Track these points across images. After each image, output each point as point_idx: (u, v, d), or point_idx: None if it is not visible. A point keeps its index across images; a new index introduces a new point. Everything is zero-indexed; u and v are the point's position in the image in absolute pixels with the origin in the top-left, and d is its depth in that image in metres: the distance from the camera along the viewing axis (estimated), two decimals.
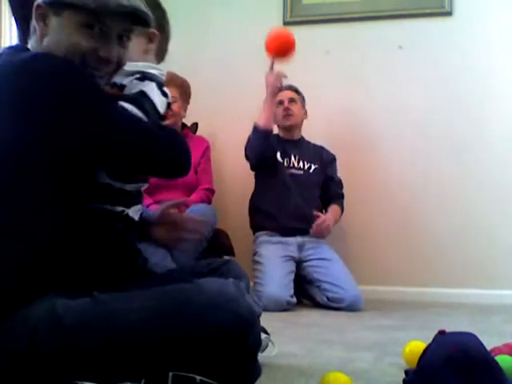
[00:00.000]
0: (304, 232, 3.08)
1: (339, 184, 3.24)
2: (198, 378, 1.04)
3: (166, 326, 1.04)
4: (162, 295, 1.09)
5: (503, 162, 3.25)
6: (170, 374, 1.05)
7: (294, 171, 3.15)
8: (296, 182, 3.12)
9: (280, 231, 3.06)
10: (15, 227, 1.07)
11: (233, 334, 1.05)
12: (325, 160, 3.22)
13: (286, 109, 3.16)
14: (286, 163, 3.15)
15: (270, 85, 2.96)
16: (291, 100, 3.18)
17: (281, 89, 3.07)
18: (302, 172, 3.16)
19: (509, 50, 3.28)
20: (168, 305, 1.06)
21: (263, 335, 1.64)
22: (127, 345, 1.04)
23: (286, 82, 3.16)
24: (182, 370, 1.05)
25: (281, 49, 2.80)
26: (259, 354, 1.59)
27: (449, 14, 3.35)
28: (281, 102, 3.16)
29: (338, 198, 3.21)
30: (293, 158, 3.17)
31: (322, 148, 3.27)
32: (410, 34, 3.40)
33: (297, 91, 3.22)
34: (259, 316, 1.23)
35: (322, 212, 3.14)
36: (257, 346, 1.13)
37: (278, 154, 3.14)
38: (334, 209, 3.17)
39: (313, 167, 3.18)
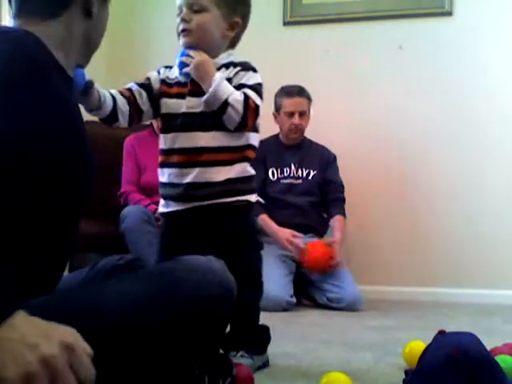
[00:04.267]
0: (304, 230, 3.07)
1: (340, 187, 3.18)
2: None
3: (157, 309, 1.00)
4: (147, 278, 1.05)
5: (504, 163, 3.25)
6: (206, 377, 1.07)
7: (292, 181, 3.12)
8: (294, 189, 3.10)
9: None
10: None
11: (224, 303, 1.08)
12: (325, 161, 3.18)
13: (296, 125, 3.06)
14: (285, 173, 3.12)
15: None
16: (302, 114, 3.07)
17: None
18: (300, 181, 3.12)
19: (509, 49, 3.28)
20: (156, 287, 1.02)
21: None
22: (116, 336, 0.96)
23: (291, 82, 3.12)
24: (184, 346, 1.04)
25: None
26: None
27: (449, 14, 3.35)
28: (291, 114, 3.05)
29: (339, 202, 3.14)
30: (292, 167, 3.13)
31: (323, 148, 3.24)
32: (410, 34, 3.40)
33: (309, 98, 3.10)
34: None
35: (322, 215, 3.15)
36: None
37: (270, 172, 3.10)
38: (339, 223, 3.07)
39: (312, 173, 3.13)
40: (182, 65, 1.55)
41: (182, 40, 1.56)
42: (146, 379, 1.03)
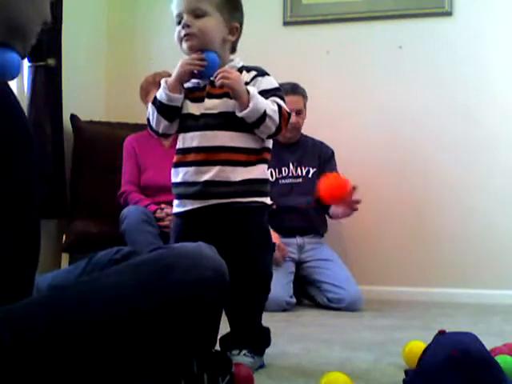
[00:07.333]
0: (305, 232, 3.07)
1: None
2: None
3: (150, 296, 1.00)
4: (138, 267, 1.04)
5: (505, 162, 3.25)
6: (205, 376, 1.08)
7: (292, 180, 3.10)
8: (295, 189, 3.09)
9: (280, 231, 3.05)
10: None
11: (216, 287, 1.07)
12: (323, 158, 3.16)
13: (293, 124, 3.00)
14: (284, 172, 3.11)
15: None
16: (299, 112, 3.05)
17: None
18: (300, 180, 3.11)
19: (509, 49, 3.28)
20: (147, 274, 1.02)
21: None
22: (112, 328, 0.97)
23: (287, 80, 3.12)
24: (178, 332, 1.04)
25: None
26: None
27: (449, 14, 3.35)
28: None
29: None
30: (291, 166, 3.11)
31: (320, 144, 3.21)
32: (410, 34, 3.40)
33: (303, 95, 3.09)
34: None
35: (322, 214, 3.13)
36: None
37: (268, 173, 3.07)
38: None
39: (311, 171, 3.12)
40: (209, 70, 1.56)
41: (185, 45, 1.58)
42: (145, 374, 1.03)
